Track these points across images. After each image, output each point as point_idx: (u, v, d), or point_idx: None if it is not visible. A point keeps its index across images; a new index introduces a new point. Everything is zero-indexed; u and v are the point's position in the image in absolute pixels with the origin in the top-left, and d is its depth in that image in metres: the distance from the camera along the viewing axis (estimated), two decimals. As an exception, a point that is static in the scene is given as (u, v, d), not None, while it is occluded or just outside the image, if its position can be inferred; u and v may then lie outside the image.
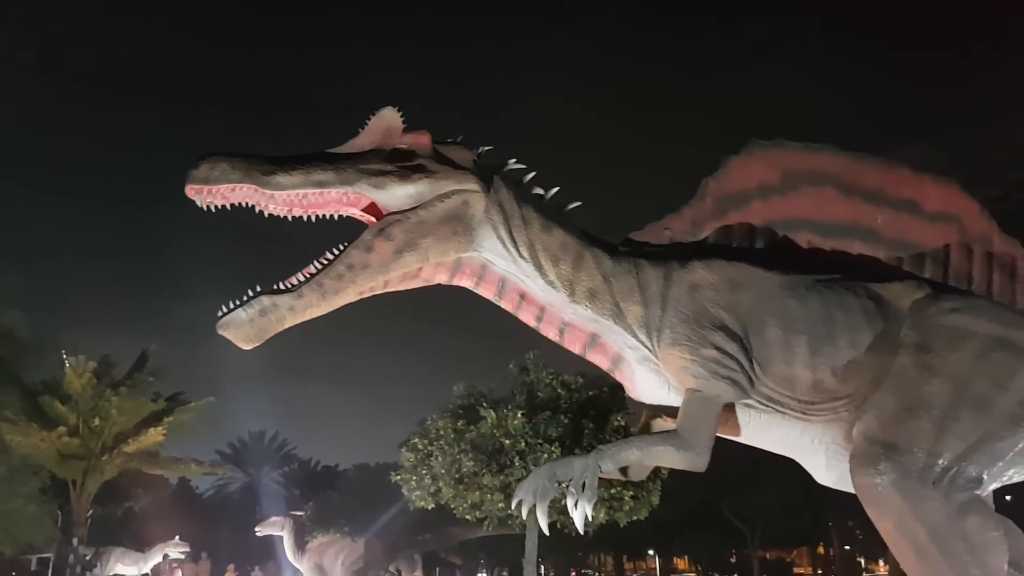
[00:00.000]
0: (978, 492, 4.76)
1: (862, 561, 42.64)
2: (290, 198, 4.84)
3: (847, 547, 35.60)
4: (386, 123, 5.15)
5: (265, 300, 4.75)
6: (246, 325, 4.73)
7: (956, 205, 5.52)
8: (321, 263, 4.90)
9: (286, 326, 4.87)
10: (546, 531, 4.99)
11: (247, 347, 4.86)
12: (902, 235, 5.51)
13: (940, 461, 4.65)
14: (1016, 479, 5.29)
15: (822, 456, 5.29)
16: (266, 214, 4.87)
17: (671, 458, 5.00)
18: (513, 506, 5.02)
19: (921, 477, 4.62)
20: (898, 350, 5.01)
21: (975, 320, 5.00)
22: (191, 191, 4.68)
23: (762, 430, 5.28)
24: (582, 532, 4.93)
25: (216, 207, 4.75)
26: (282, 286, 4.83)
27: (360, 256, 4.90)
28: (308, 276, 4.87)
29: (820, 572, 40.43)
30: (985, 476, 4.80)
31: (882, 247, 5.51)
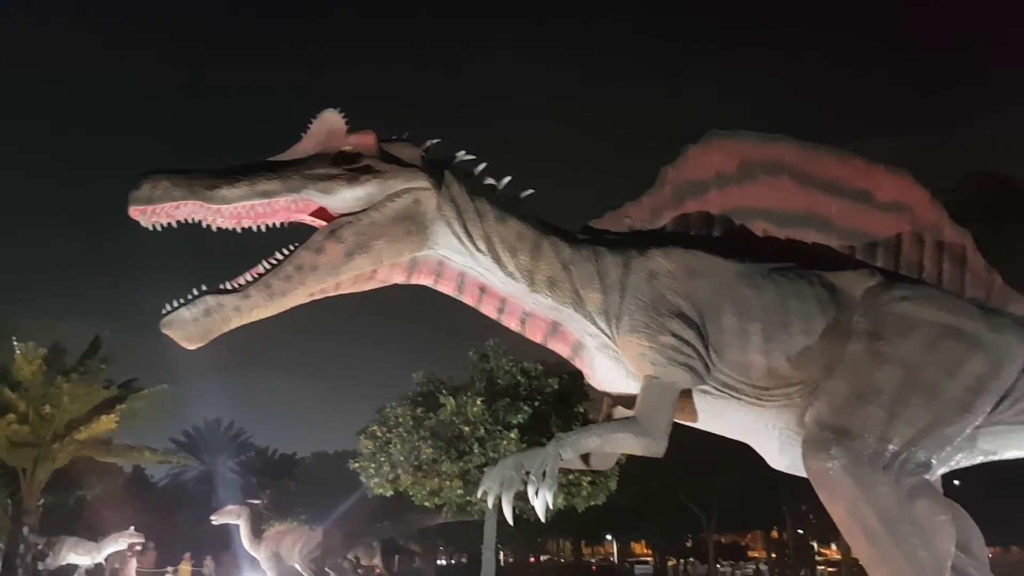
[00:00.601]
0: (927, 477, 4.86)
1: (815, 545, 43.48)
2: (237, 211, 4.76)
3: (800, 531, 36.29)
4: (328, 125, 5.06)
5: (210, 300, 4.68)
6: (189, 324, 4.67)
7: (908, 195, 5.61)
8: (270, 263, 4.83)
9: (232, 327, 4.80)
10: (510, 520, 5.01)
11: (191, 347, 4.79)
12: (855, 224, 5.58)
13: (890, 446, 4.75)
14: (963, 464, 5.41)
15: (775, 441, 5.37)
16: (214, 228, 4.78)
17: (630, 444, 5.04)
18: (479, 495, 5.03)
19: (872, 462, 4.70)
20: (850, 337, 5.09)
21: (925, 308, 5.10)
22: (134, 212, 4.60)
23: (717, 416, 5.35)
24: (543, 520, 4.96)
25: (162, 226, 4.67)
26: (229, 286, 4.75)
27: (310, 258, 4.84)
28: (256, 276, 4.80)
29: (774, 555, 41.15)
30: (934, 461, 4.91)
31: (836, 236, 5.58)
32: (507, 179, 5.46)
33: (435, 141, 5.39)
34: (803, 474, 5.06)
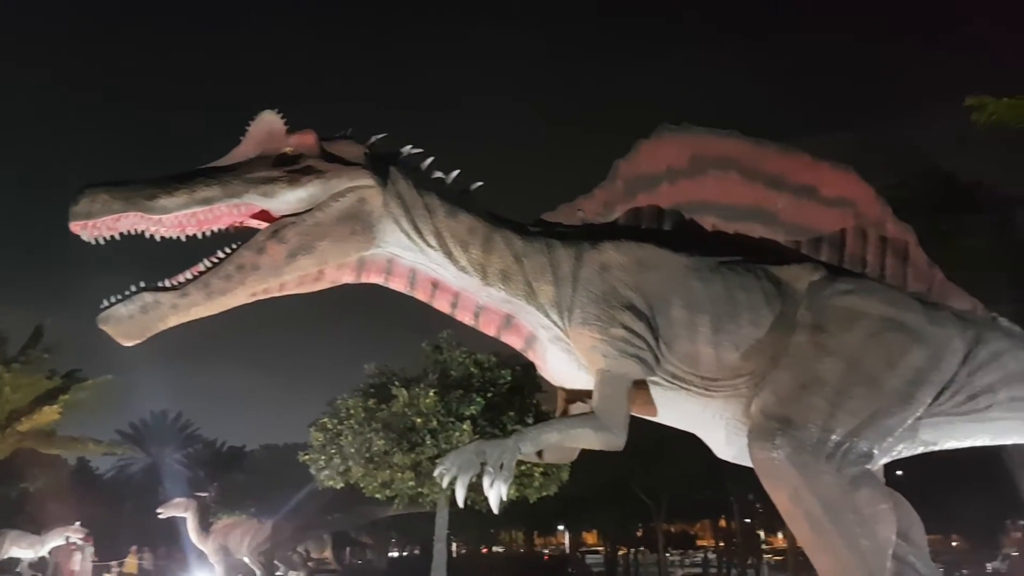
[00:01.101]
0: (869, 466, 4.97)
1: (761, 533, 44.28)
2: (178, 220, 4.70)
3: (747, 520, 36.91)
4: (267, 127, 5.00)
5: (147, 297, 4.63)
6: (125, 321, 4.62)
7: (852, 191, 5.72)
8: (211, 262, 4.78)
9: (169, 325, 4.76)
10: (461, 504, 5.03)
11: (128, 343, 4.75)
12: (801, 219, 5.68)
13: (833, 436, 4.85)
14: (905, 454, 5.54)
15: (722, 431, 5.46)
16: (158, 238, 4.73)
17: (590, 439, 5.09)
18: (436, 474, 5.05)
19: (815, 451, 4.81)
20: (795, 329, 5.19)
21: (867, 301, 5.23)
22: (75, 227, 4.54)
23: (667, 407, 5.42)
24: (495, 511, 4.99)
25: (105, 239, 4.61)
26: (167, 283, 4.70)
27: (251, 257, 4.79)
28: (196, 275, 4.75)
29: (722, 544, 41.83)
30: (875, 451, 5.02)
31: (782, 231, 5.67)
32: (456, 172, 5.45)
33: (380, 136, 5.34)
34: (749, 463, 5.15)
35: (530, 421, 8.91)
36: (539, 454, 5.43)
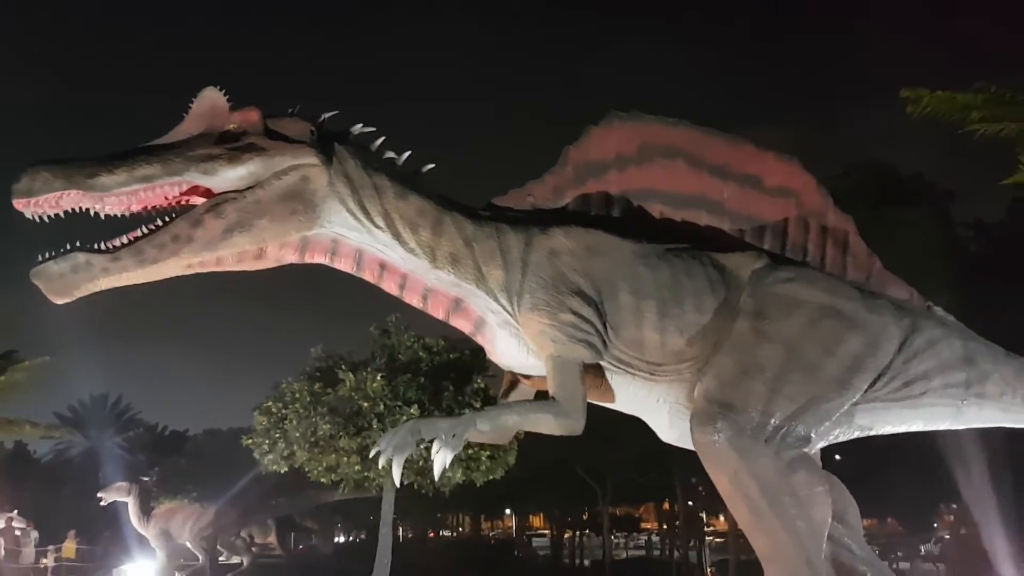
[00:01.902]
0: (806, 450, 5.10)
1: (703, 516, 45.09)
2: (119, 198, 4.64)
3: (690, 503, 37.54)
4: (209, 104, 4.94)
5: (80, 257, 4.59)
6: (56, 279, 4.58)
7: (795, 181, 5.83)
8: (149, 228, 4.74)
9: (101, 287, 4.71)
10: (398, 484, 5.04)
11: (58, 302, 4.70)
12: (745, 208, 5.77)
13: (772, 420, 4.97)
14: (842, 438, 5.70)
15: (666, 415, 5.55)
16: (103, 216, 4.67)
17: (549, 424, 5.12)
18: (371, 455, 5.05)
19: (754, 435, 4.92)
20: (737, 316, 5.29)
21: (808, 289, 5.35)
22: (18, 205, 4.49)
23: (612, 391, 5.49)
24: (437, 478, 5.01)
25: (49, 216, 4.55)
26: (102, 246, 4.66)
27: (186, 229, 4.74)
28: (131, 240, 4.70)
29: (665, 526, 42.50)
30: (813, 435, 5.15)
31: (727, 219, 5.76)
32: (407, 153, 5.41)
33: (331, 114, 5.27)
34: (691, 447, 5.24)
35: (478, 405, 8.92)
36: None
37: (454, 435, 4.82)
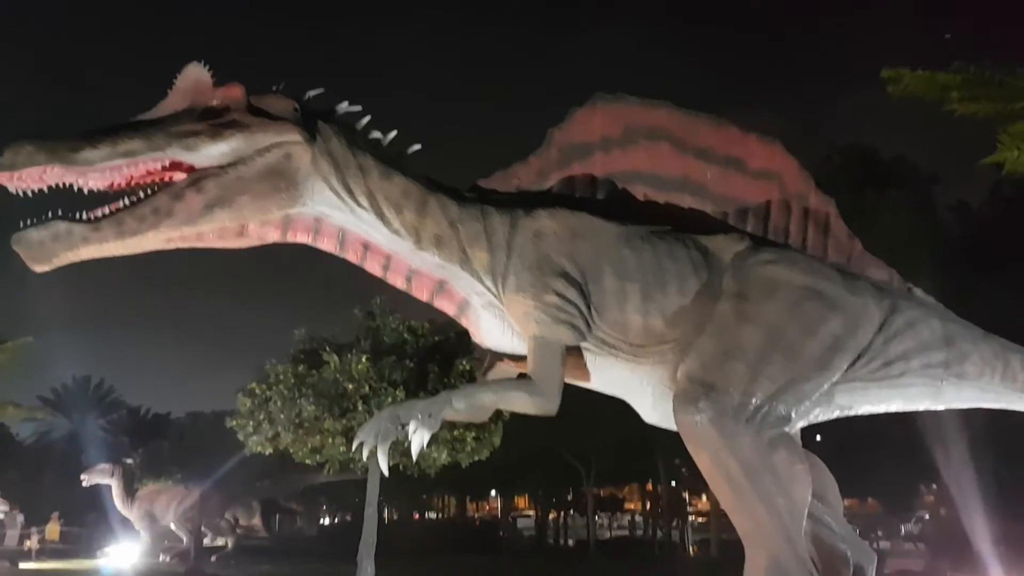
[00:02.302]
0: (786, 429, 5.16)
1: (687, 496, 45.46)
2: (102, 173, 4.63)
3: (673, 483, 37.83)
4: (193, 80, 4.91)
5: (61, 225, 4.58)
6: (36, 246, 4.57)
7: (778, 164, 5.87)
8: (131, 200, 4.72)
9: (80, 257, 4.71)
10: (386, 472, 5.07)
11: (37, 269, 4.68)
12: (728, 191, 5.81)
13: (753, 400, 5.02)
14: (822, 418, 5.76)
15: (649, 396, 5.59)
16: (85, 191, 4.65)
17: (524, 403, 5.17)
18: (354, 447, 5.07)
19: (735, 415, 4.97)
20: (720, 298, 5.34)
21: (789, 271, 5.39)
22: (1, 179, 4.45)
23: (596, 372, 5.52)
24: (415, 457, 5.05)
25: (33, 191, 4.52)
26: (84, 216, 4.65)
27: (167, 203, 4.73)
28: (112, 211, 4.68)
29: (648, 507, 42.83)
30: (793, 415, 5.21)
31: (710, 201, 5.80)
32: (393, 133, 5.40)
33: (316, 92, 5.25)
34: (674, 427, 5.29)
35: (461, 386, 8.95)
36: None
37: (430, 415, 4.87)
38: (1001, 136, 5.34)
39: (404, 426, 4.94)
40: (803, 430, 5.70)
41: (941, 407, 6.11)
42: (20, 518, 29.23)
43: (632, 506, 54.89)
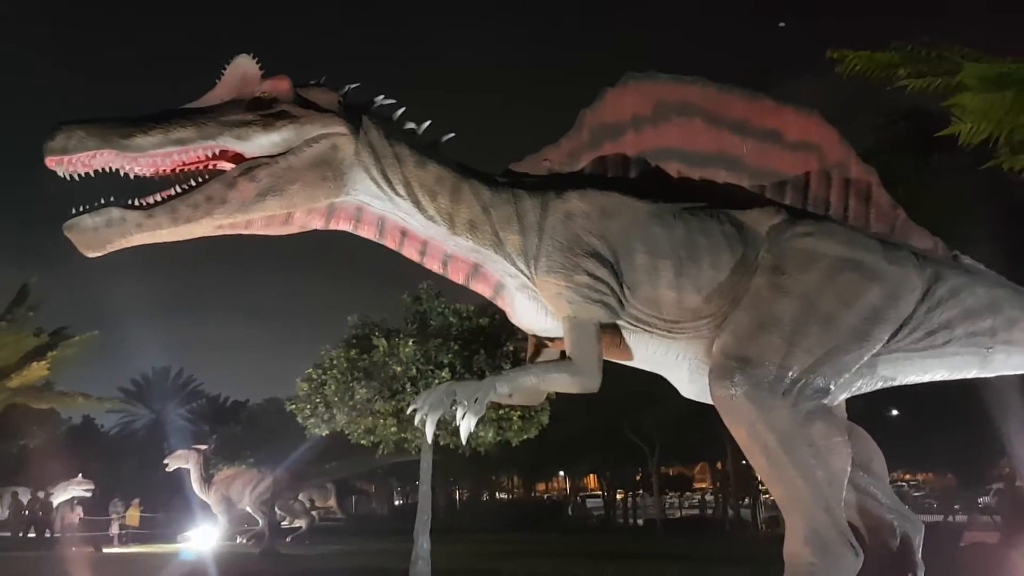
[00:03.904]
0: (825, 401, 5.13)
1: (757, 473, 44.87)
2: (152, 159, 4.76)
3: (744, 461, 37.39)
4: (242, 71, 5.05)
5: (115, 212, 4.71)
6: (89, 232, 4.70)
7: (816, 134, 5.79)
8: (183, 188, 4.86)
9: (133, 243, 4.85)
10: (429, 439, 5.23)
11: (90, 255, 4.83)
12: (765, 164, 5.75)
13: (789, 373, 5.02)
14: (865, 389, 5.71)
15: (685, 371, 5.62)
16: (131, 176, 4.79)
17: (565, 383, 5.27)
18: (408, 411, 5.24)
19: (771, 388, 4.98)
20: (755, 272, 5.33)
21: (826, 243, 5.35)
22: (50, 162, 4.59)
23: (632, 350, 5.58)
24: (464, 442, 5.19)
25: (80, 175, 4.66)
26: (137, 202, 4.78)
27: (220, 190, 4.87)
28: (165, 198, 4.83)
29: (718, 484, 42.53)
30: (832, 386, 5.18)
31: (746, 175, 5.75)
32: (427, 123, 5.52)
33: (354, 86, 5.40)
34: (711, 401, 5.32)
35: (506, 367, 9.07)
36: (510, 395, 5.61)
37: (476, 399, 4.98)
38: (954, 110, 5.27)
39: (455, 403, 5.07)
40: (876, 406, 5.64)
41: (991, 375, 5.99)
42: (78, 508, 30.42)
43: (702, 485, 54.57)
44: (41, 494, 30.49)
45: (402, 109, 5.48)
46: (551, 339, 5.68)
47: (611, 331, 5.45)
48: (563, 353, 5.35)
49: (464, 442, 5.13)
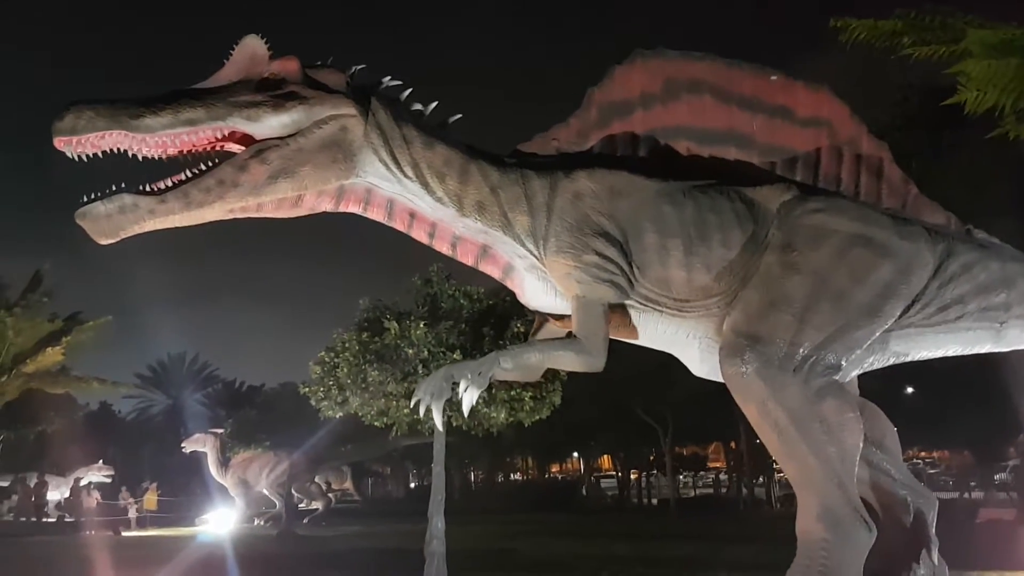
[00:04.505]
0: (836, 378, 5.11)
1: (772, 452, 44.73)
2: (162, 140, 4.73)
3: (757, 440, 37.29)
4: (250, 52, 5.02)
5: (127, 198, 4.71)
6: (102, 219, 4.70)
7: (827, 110, 5.75)
8: (193, 172, 4.84)
9: (145, 229, 4.84)
10: (440, 427, 5.25)
11: (103, 242, 4.83)
12: (775, 140, 5.71)
13: (800, 350, 5.00)
14: (877, 365, 5.69)
15: (696, 350, 5.62)
16: (140, 158, 4.76)
17: (570, 362, 5.28)
18: (412, 403, 5.26)
19: (782, 365, 4.96)
20: (766, 249, 5.30)
21: (837, 219, 5.31)
22: (59, 143, 4.58)
23: (642, 328, 5.57)
24: (466, 414, 5.20)
25: (88, 156, 4.64)
26: (148, 188, 4.77)
27: (232, 174, 4.86)
28: (176, 183, 4.81)
29: (732, 464, 42.54)
30: (843, 363, 5.16)
31: (756, 152, 5.71)
32: (434, 104, 5.50)
33: (361, 67, 5.38)
34: (723, 380, 5.32)
35: (516, 347, 9.08)
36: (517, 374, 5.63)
37: (479, 373, 5.01)
38: (959, 77, 5.20)
39: (456, 384, 5.09)
40: (892, 384, 5.63)
41: (1006, 350, 5.95)
42: (96, 492, 30.75)
43: (716, 464, 54.58)
44: (55, 480, 30.81)
45: (409, 90, 5.46)
46: (558, 317, 5.68)
47: (621, 311, 5.44)
48: (571, 332, 5.36)
49: (465, 415, 5.13)
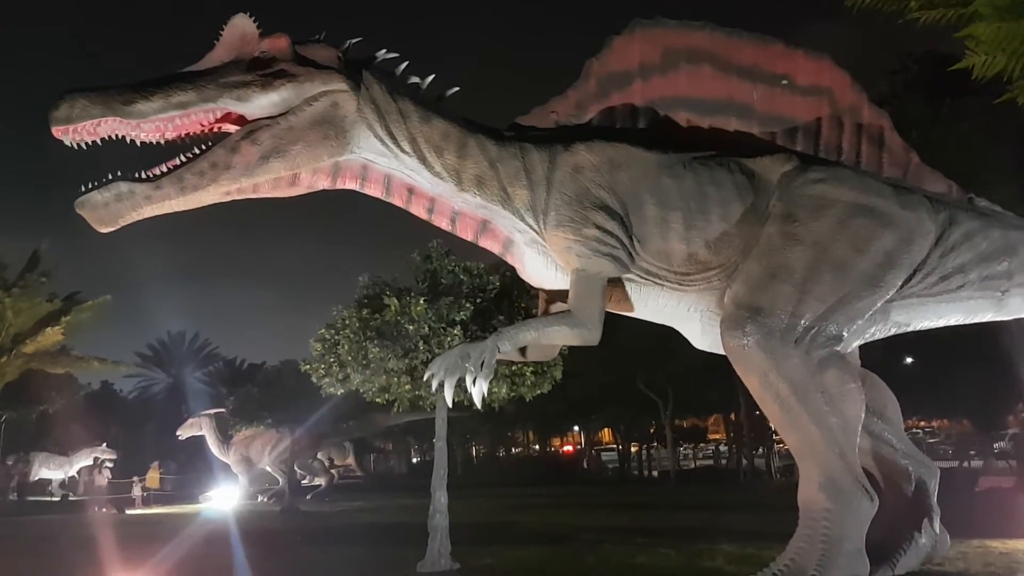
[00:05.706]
0: (837, 348, 5.11)
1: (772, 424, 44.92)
2: (156, 124, 4.76)
3: (757, 412, 37.42)
4: (240, 31, 5.00)
5: (123, 186, 4.75)
6: (100, 208, 4.75)
7: (827, 79, 5.70)
8: (187, 157, 4.85)
9: (143, 215, 4.88)
10: (450, 404, 5.26)
11: (103, 230, 4.88)
12: (776, 110, 5.68)
13: (801, 321, 4.99)
14: (879, 335, 5.69)
15: (697, 323, 5.61)
16: (138, 143, 4.78)
17: (566, 335, 5.27)
18: (425, 378, 5.27)
19: (783, 337, 4.96)
20: (767, 221, 5.27)
21: (838, 189, 5.28)
22: (57, 132, 4.61)
23: (642, 302, 5.55)
24: (479, 406, 5.20)
25: (86, 144, 4.67)
26: (143, 175, 4.79)
27: (224, 156, 4.86)
28: (170, 168, 4.82)
29: (732, 435, 42.67)
30: (845, 334, 5.16)
31: (757, 122, 5.68)
32: (431, 77, 5.45)
33: (355, 41, 5.31)
34: (724, 352, 5.31)
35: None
36: (524, 353, 5.61)
37: (482, 363, 4.97)
38: (968, 41, 5.13)
39: (470, 364, 5.06)
40: (891, 354, 5.62)
41: (1008, 318, 5.94)
42: (107, 469, 30.81)
43: (716, 436, 54.78)
44: (57, 459, 30.88)
45: (405, 63, 5.40)
46: (560, 292, 5.66)
47: (622, 285, 5.42)
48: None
49: (479, 405, 5.15)
